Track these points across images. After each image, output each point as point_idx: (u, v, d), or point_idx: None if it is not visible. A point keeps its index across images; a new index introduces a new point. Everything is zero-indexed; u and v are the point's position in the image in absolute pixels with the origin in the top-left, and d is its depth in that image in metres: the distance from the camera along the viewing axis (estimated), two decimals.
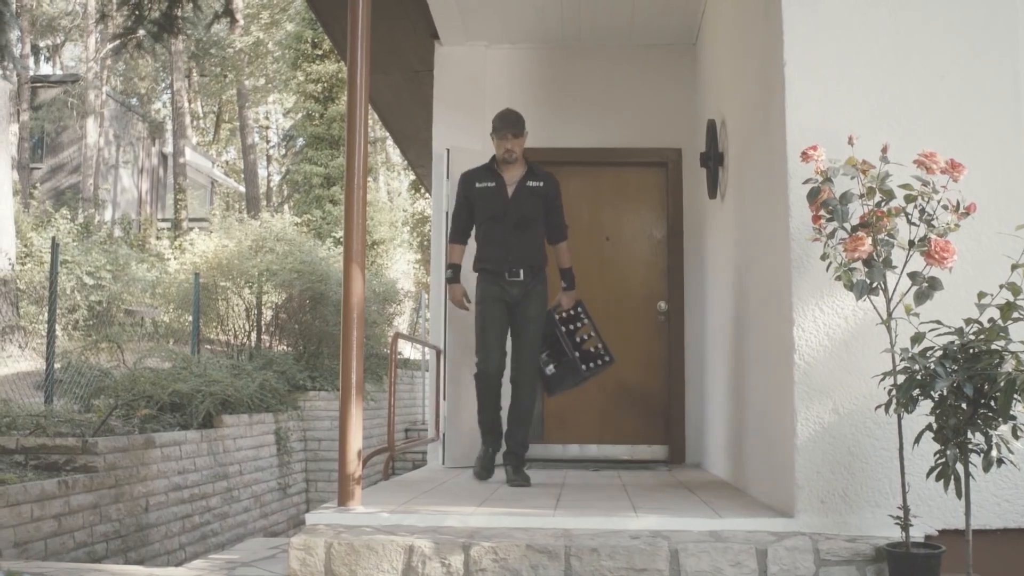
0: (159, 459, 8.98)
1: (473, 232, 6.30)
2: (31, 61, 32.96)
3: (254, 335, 15.77)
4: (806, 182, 3.76)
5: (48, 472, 7.57)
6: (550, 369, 6.33)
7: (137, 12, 9.42)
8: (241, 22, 32.52)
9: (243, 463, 11.20)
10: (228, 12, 10.26)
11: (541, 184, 6.10)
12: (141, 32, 9.68)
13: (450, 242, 6.38)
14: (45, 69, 37.89)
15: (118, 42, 10.56)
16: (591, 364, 6.34)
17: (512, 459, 5.98)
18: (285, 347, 15.83)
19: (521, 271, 6.01)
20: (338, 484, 4.57)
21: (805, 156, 3.71)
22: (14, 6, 10.62)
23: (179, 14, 9.57)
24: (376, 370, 16.09)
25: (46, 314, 10.82)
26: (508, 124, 6.08)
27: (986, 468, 3.33)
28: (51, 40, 37.39)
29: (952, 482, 3.38)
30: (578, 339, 6.39)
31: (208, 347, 15.28)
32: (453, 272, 6.26)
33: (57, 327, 11.26)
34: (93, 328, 14.26)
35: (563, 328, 6.35)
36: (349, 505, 4.49)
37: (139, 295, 16.45)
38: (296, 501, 13.13)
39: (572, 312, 6.41)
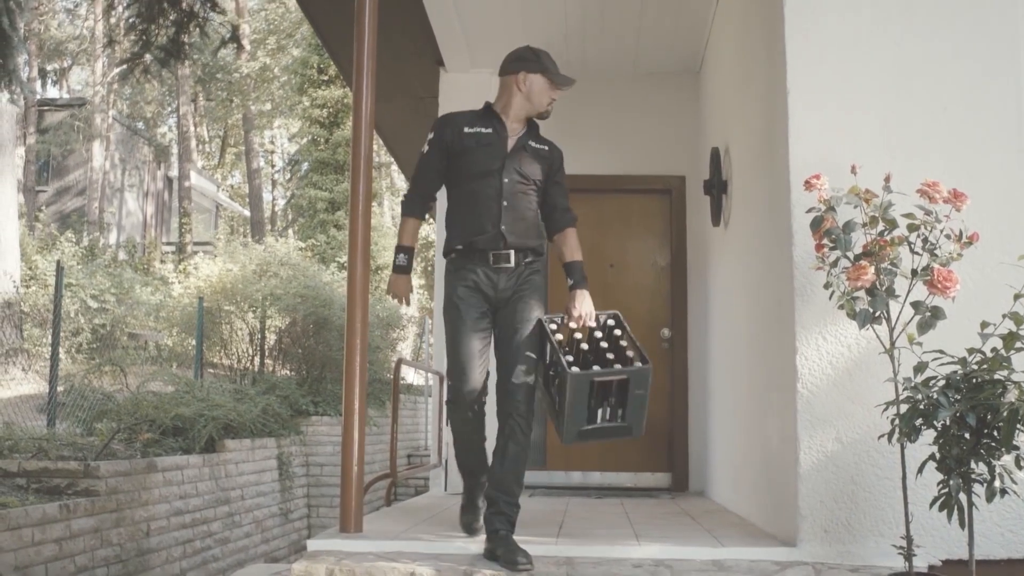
0: (161, 483, 8.96)
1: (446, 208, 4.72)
2: (38, 84, 33.20)
3: (257, 359, 15.78)
4: (809, 211, 3.77)
5: (50, 496, 7.56)
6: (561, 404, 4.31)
7: (144, 38, 9.50)
8: (248, 47, 32.70)
9: (245, 488, 11.18)
10: (235, 38, 10.34)
11: (546, 148, 4.70)
12: (148, 57, 9.76)
13: (403, 214, 4.73)
14: (52, 92, 38.20)
15: (125, 67, 10.66)
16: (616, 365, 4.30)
17: (499, 522, 4.25)
18: (288, 372, 15.83)
19: (512, 254, 4.49)
20: (340, 510, 4.56)
21: (808, 185, 3.72)
22: (22, 31, 10.70)
23: (186, 40, 9.66)
24: (379, 395, 16.07)
25: (50, 337, 10.84)
26: (558, 72, 4.67)
27: (989, 498, 3.32)
28: (58, 64, 37.65)
29: (955, 512, 3.37)
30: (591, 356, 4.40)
31: (211, 371, 15.29)
32: (405, 257, 4.63)
33: (61, 350, 11.27)
34: (97, 351, 14.30)
35: (555, 338, 4.39)
36: (351, 531, 4.48)
37: (143, 319, 16.50)
38: (298, 527, 13.09)
39: (601, 326, 4.49)
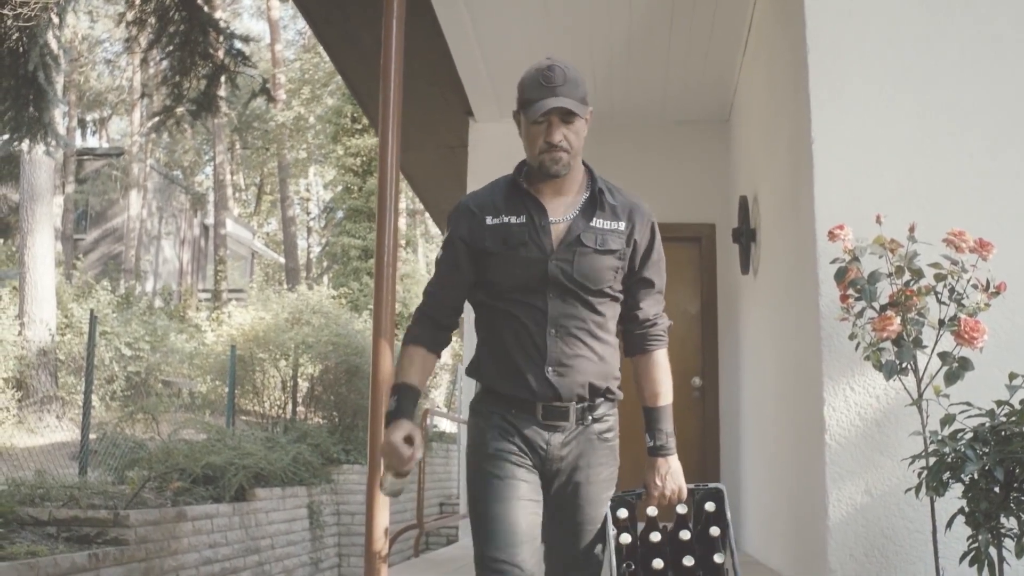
0: (190, 532, 8.96)
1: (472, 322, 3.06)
2: (78, 134, 33.68)
3: (289, 407, 15.81)
4: (833, 261, 3.74)
5: (79, 544, 7.57)
6: None
7: (177, 91, 9.64)
8: (283, 97, 33.07)
9: (275, 537, 11.15)
10: (265, 91, 10.45)
11: (621, 224, 2.94)
12: (180, 110, 9.90)
13: (405, 342, 2.98)
14: (92, 142, 38.76)
15: (157, 119, 10.83)
16: None
17: None
18: (320, 419, 15.85)
19: (571, 410, 2.85)
20: (364, 563, 4.54)
21: (832, 235, 3.69)
22: (61, 85, 10.89)
23: (218, 93, 9.78)
24: None
25: (84, 385, 10.93)
26: (549, 87, 2.85)
27: (1019, 554, 3.24)
28: (98, 113, 38.22)
29: (986, 567, 3.30)
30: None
31: (244, 418, 15.33)
32: (397, 402, 2.81)
33: (94, 398, 11.34)
34: (130, 399, 14.38)
35: (620, 542, 2.83)
36: None
37: (177, 366, 16.60)
38: None
39: (694, 511, 3.01)
